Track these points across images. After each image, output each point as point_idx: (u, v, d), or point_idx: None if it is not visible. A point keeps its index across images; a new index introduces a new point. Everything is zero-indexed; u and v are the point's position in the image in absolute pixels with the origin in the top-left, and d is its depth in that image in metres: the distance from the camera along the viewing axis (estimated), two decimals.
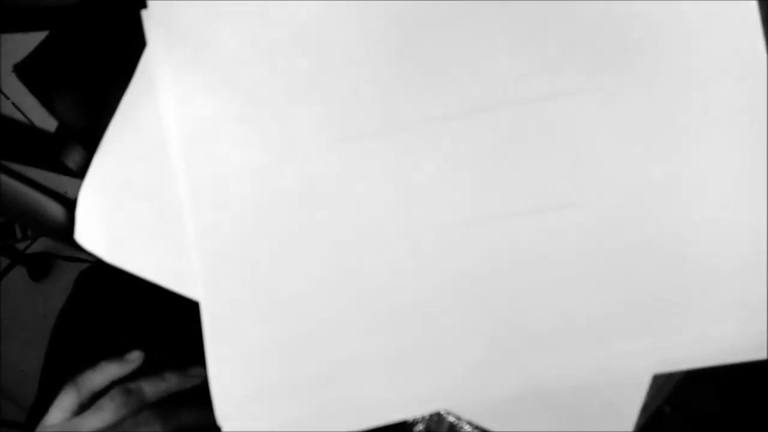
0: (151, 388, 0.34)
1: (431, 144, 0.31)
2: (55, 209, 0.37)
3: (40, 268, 1.20)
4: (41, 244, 1.21)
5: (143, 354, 0.36)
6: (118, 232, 0.33)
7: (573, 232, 0.30)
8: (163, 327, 0.37)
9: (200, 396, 0.32)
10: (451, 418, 0.35)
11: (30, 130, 0.37)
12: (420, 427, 0.36)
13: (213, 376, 0.31)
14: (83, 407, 0.34)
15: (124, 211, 0.33)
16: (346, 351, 0.31)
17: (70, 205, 0.38)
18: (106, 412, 0.33)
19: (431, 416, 0.36)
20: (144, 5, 0.33)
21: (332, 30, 0.32)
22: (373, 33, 0.31)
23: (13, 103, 1.11)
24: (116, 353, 0.35)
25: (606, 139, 0.31)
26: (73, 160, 0.38)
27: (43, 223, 0.36)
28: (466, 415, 0.31)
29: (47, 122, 0.40)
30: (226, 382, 0.31)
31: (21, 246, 1.16)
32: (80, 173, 0.38)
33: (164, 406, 0.33)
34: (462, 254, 0.31)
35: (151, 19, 0.33)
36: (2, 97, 1.10)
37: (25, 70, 0.37)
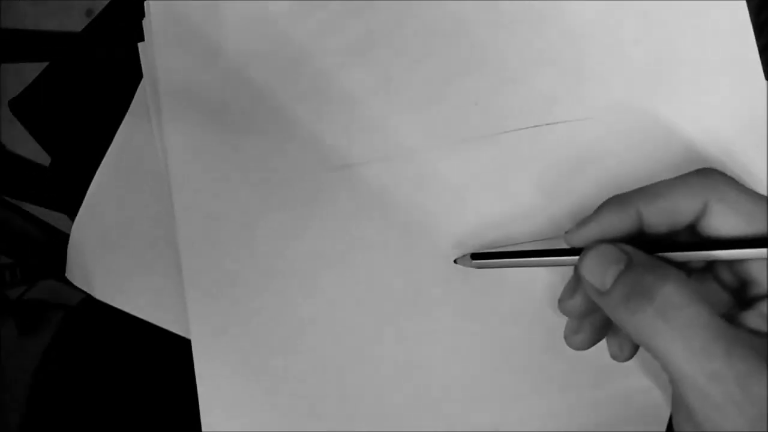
0: None
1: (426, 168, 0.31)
2: (45, 242, 0.36)
3: (30, 319, 1.17)
4: (33, 293, 1.19)
5: None
6: (108, 268, 0.33)
7: None
8: (152, 366, 0.36)
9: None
10: None
11: (23, 163, 0.36)
12: None
13: (204, 415, 0.30)
14: None
15: (115, 248, 0.33)
16: (335, 390, 0.30)
17: (61, 238, 0.38)
18: None
19: None
20: (142, 38, 0.33)
21: (323, 60, 0.32)
22: (363, 65, 0.32)
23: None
24: (102, 393, 0.34)
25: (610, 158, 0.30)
26: (65, 195, 0.37)
27: (34, 257, 0.35)
28: None
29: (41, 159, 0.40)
30: (216, 420, 0.30)
31: (10, 293, 1.14)
32: (72, 209, 0.38)
33: None
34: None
35: (147, 50, 0.33)
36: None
37: (19, 106, 0.37)
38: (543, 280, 0.30)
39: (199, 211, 0.31)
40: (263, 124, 0.32)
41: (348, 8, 0.32)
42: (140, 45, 0.33)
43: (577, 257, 0.23)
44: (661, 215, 0.22)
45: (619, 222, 0.23)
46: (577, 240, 0.24)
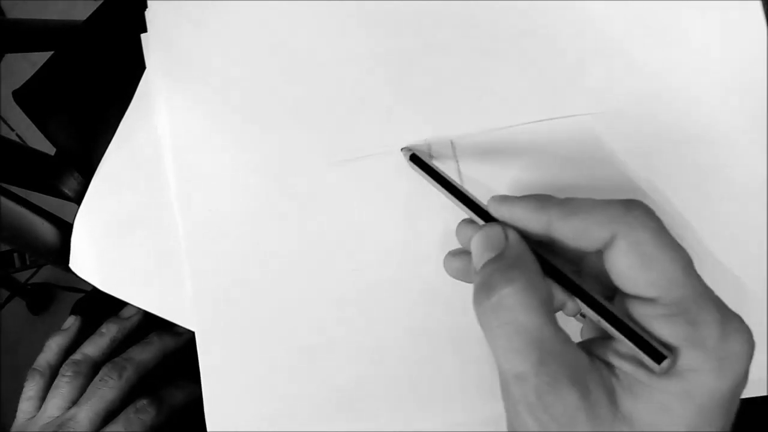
0: (94, 348, 0.35)
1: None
2: (51, 233, 0.37)
3: (40, 300, 1.19)
4: (42, 275, 1.20)
5: (79, 317, 0.38)
6: (112, 260, 0.33)
7: None
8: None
9: (183, 373, 0.34)
10: None
11: (28, 152, 0.37)
12: None
13: (207, 404, 0.30)
14: (47, 390, 0.34)
15: (119, 240, 0.33)
16: (342, 380, 0.30)
17: (66, 229, 0.38)
18: (63, 388, 0.33)
19: None
20: (144, 29, 0.33)
21: (327, 53, 0.32)
22: (362, 61, 0.32)
23: (17, 135, 1.13)
24: None
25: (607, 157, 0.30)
26: (69, 185, 0.37)
27: (38, 247, 0.36)
28: None
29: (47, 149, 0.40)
30: (221, 410, 0.30)
31: (19, 276, 1.15)
32: (77, 199, 0.38)
33: (153, 394, 0.34)
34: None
35: (150, 42, 0.33)
36: (2, 122, 1.12)
37: (23, 96, 0.37)
38: None
39: (202, 203, 0.32)
40: (266, 119, 0.32)
41: (350, 8, 0.32)
42: (143, 36, 0.33)
43: (478, 219, 0.25)
44: (570, 233, 0.22)
45: (530, 221, 0.23)
46: (492, 209, 0.24)
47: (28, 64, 1.08)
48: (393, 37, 0.32)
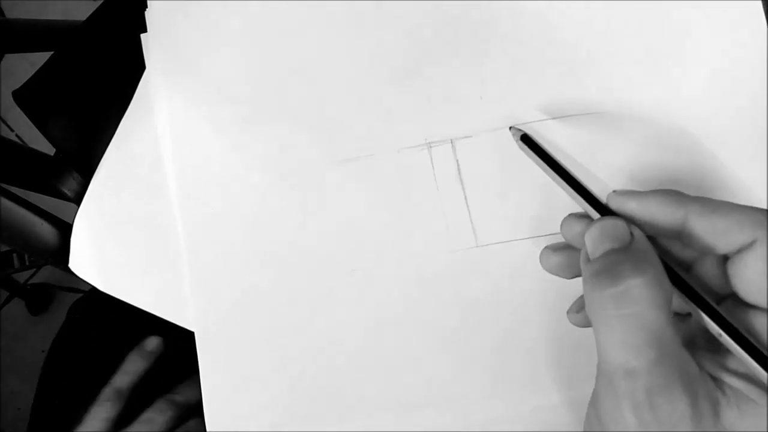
0: (193, 393, 0.34)
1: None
2: (51, 233, 0.37)
3: (39, 301, 1.19)
4: (41, 276, 1.20)
5: (161, 339, 0.36)
6: (112, 260, 0.33)
7: None
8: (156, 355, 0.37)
9: (189, 372, 0.32)
10: None
11: (28, 152, 0.37)
12: None
13: (207, 405, 0.30)
14: (122, 415, 0.34)
15: (119, 240, 0.33)
16: (342, 380, 0.30)
17: (66, 229, 0.38)
18: (155, 424, 0.33)
19: None
20: (144, 29, 0.33)
21: (328, 52, 0.32)
22: (363, 61, 0.32)
23: (17, 135, 1.12)
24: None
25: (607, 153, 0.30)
26: (69, 185, 0.37)
27: (38, 247, 0.36)
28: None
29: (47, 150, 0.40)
30: (221, 410, 0.30)
31: (19, 277, 1.15)
32: (76, 199, 0.38)
33: (169, 392, 0.34)
34: (470, 277, 0.30)
35: (150, 42, 0.33)
36: (2, 122, 1.11)
37: (23, 96, 0.37)
38: (541, 279, 0.30)
39: (202, 203, 0.32)
40: (266, 119, 0.32)
41: (354, 8, 0.32)
42: (143, 36, 0.33)
43: (593, 212, 0.24)
44: (708, 230, 0.21)
45: (663, 214, 0.22)
46: (616, 202, 0.23)
47: (28, 64, 1.08)
48: (393, 37, 0.32)
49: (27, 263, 0.95)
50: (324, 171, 0.31)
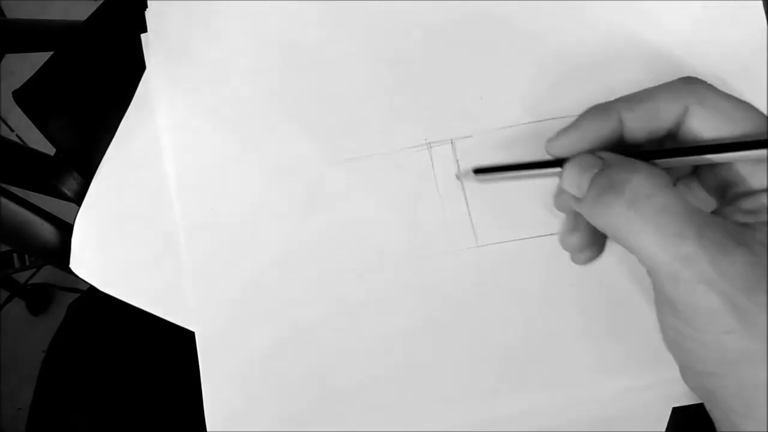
0: None
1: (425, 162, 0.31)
2: (51, 233, 0.37)
3: (39, 301, 1.19)
4: (41, 276, 1.20)
5: None
6: (113, 260, 0.33)
7: None
8: (156, 355, 0.36)
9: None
10: None
11: (28, 153, 0.37)
12: None
13: (207, 405, 0.30)
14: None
15: (120, 240, 0.33)
16: (342, 380, 0.30)
17: (66, 229, 0.38)
18: None
19: None
20: (144, 29, 0.33)
21: (328, 52, 0.32)
22: (363, 61, 0.32)
23: (17, 135, 1.12)
24: (109, 384, 0.34)
25: None
26: (69, 185, 0.37)
27: (38, 248, 0.36)
28: None
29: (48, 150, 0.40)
30: (221, 410, 0.30)
31: (19, 277, 1.15)
32: (77, 199, 0.38)
33: None
34: (465, 276, 0.30)
35: (150, 42, 0.33)
36: (2, 122, 1.11)
37: (23, 96, 0.37)
38: (541, 279, 0.30)
39: (202, 203, 0.32)
40: (266, 118, 0.32)
41: (354, 8, 0.32)
42: (143, 36, 0.33)
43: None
44: (643, 120, 0.22)
45: (599, 129, 0.23)
46: (557, 148, 0.24)
47: (28, 64, 1.08)
48: (393, 37, 0.32)
49: (27, 263, 0.95)
50: (324, 171, 0.31)
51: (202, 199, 0.32)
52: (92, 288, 0.33)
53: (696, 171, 0.25)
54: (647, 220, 0.20)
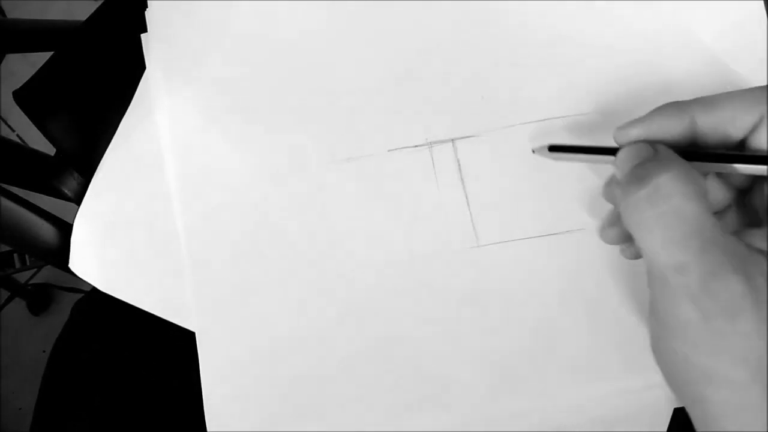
0: None
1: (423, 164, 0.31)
2: (51, 233, 0.37)
3: (39, 301, 1.19)
4: (42, 276, 1.20)
5: None
6: (113, 260, 0.33)
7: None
8: (157, 355, 0.36)
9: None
10: None
11: (28, 153, 0.36)
12: None
13: (207, 405, 0.30)
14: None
15: (120, 240, 0.33)
16: (342, 380, 0.30)
17: (66, 229, 0.38)
18: None
19: None
20: (144, 29, 0.33)
21: (328, 52, 0.32)
22: (363, 61, 0.32)
23: (18, 136, 1.12)
24: (111, 384, 0.34)
25: None
26: (69, 185, 0.37)
27: (38, 247, 0.36)
28: None
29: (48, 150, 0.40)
30: (221, 410, 0.30)
31: (19, 277, 1.15)
32: (77, 199, 0.38)
33: None
34: (464, 275, 0.30)
35: (150, 42, 0.33)
36: (2, 122, 1.11)
37: (23, 96, 0.37)
38: (542, 279, 0.30)
39: (202, 203, 0.32)
40: (266, 118, 0.32)
41: (355, 9, 0.32)
42: (143, 36, 0.33)
43: None
44: (716, 125, 0.22)
45: (669, 126, 0.23)
46: (625, 137, 0.24)
47: (28, 64, 1.08)
48: (394, 38, 0.32)
49: (27, 263, 0.95)
50: (325, 170, 0.31)
51: (202, 199, 0.32)
52: (96, 288, 0.33)
53: (753, 184, 0.24)
54: (658, 218, 0.20)
